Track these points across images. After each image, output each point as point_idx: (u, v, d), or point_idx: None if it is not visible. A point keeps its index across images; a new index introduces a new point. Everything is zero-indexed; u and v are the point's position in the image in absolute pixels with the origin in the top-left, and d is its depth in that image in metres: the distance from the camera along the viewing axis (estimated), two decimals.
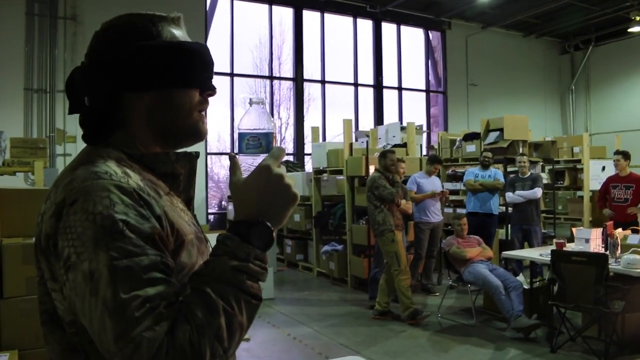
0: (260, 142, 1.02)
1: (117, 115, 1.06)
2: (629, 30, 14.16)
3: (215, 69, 1.23)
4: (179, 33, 1.11)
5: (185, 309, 0.86)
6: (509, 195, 7.37)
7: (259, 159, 1.02)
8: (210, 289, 0.88)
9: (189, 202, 1.14)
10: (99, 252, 0.86)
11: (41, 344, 2.66)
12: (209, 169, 11.76)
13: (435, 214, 7.43)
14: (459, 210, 8.75)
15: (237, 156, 1.07)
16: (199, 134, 1.13)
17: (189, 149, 1.16)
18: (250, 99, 1.10)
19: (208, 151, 11.54)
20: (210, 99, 1.14)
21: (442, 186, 7.89)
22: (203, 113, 1.13)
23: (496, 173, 7.75)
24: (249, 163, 1.03)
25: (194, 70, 1.08)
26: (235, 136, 1.00)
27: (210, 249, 1.05)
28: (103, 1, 10.19)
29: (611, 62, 15.42)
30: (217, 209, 12.34)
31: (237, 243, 0.93)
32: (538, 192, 7.25)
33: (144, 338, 0.82)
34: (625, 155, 7.34)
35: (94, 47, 1.08)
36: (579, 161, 9.38)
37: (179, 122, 1.08)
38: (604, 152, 10.61)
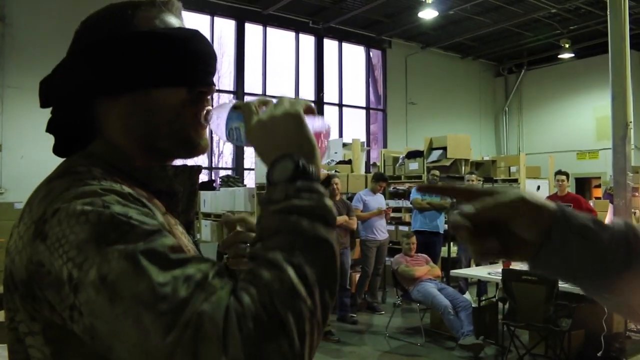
0: (234, 114, 0.86)
1: (91, 123, 0.88)
2: (559, 56, 14.86)
3: None
4: (163, 19, 0.89)
5: (244, 277, 0.66)
6: None
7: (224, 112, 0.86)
8: (264, 248, 0.68)
9: (188, 226, 0.95)
10: (106, 251, 0.65)
11: None
12: None
13: (382, 231, 7.39)
14: (400, 228, 8.78)
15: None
16: (191, 144, 0.89)
17: (189, 162, 0.97)
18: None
19: None
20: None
21: (387, 203, 7.89)
22: (199, 117, 0.89)
23: None
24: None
25: (174, 63, 0.85)
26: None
27: None
28: (35, 3, 9.69)
29: (542, 85, 16.10)
30: None
31: (269, 191, 0.74)
32: None
33: (203, 314, 0.61)
34: (568, 176, 7.57)
35: (70, 45, 0.89)
36: (516, 180, 9.65)
37: (162, 128, 0.86)
38: (539, 172, 10.98)
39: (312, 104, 0.83)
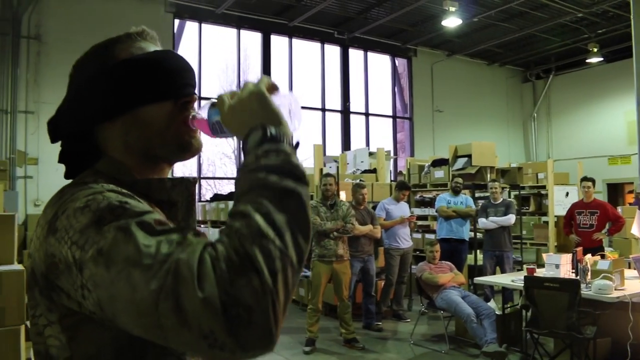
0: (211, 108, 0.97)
1: (95, 148, 1.00)
2: (587, 60, 14.69)
3: None
4: (138, 47, 1.01)
5: (220, 231, 0.77)
6: (482, 221, 7.42)
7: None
8: (236, 204, 0.77)
9: None
10: (103, 229, 0.77)
11: None
12: None
13: (405, 239, 7.42)
14: (427, 236, 8.80)
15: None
16: (186, 147, 1.01)
17: (187, 165, 1.09)
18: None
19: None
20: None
21: (412, 212, 7.91)
22: (187, 123, 1.00)
23: (467, 199, 7.82)
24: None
25: (155, 81, 0.98)
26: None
27: None
28: (68, 22, 10.06)
29: (571, 90, 15.92)
30: None
31: (247, 149, 0.84)
32: (512, 218, 7.33)
33: (179, 261, 0.71)
34: (594, 182, 7.51)
35: (68, 85, 1.04)
36: (544, 187, 9.56)
37: (156, 140, 0.98)
38: (567, 179, 10.86)
39: (274, 82, 0.94)
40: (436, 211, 8.01)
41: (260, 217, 0.74)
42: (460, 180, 7.92)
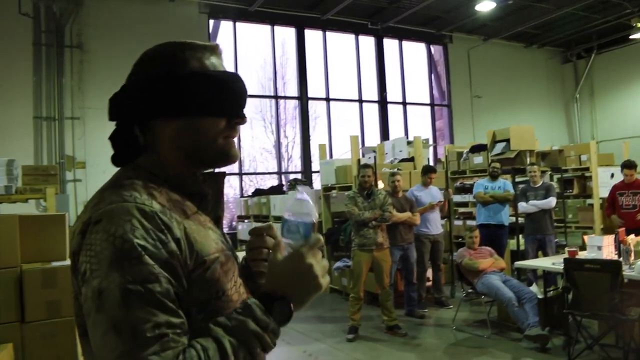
0: (299, 230, 1.10)
1: (145, 139, 1.10)
2: (631, 37, 14.27)
3: None
4: (211, 62, 1.12)
5: (203, 351, 0.92)
6: (522, 205, 7.34)
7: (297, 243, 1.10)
8: (229, 343, 0.95)
9: (217, 221, 1.17)
10: (114, 273, 0.90)
11: None
12: None
13: (435, 225, 7.41)
14: (468, 222, 8.76)
15: (279, 236, 1.12)
16: (227, 158, 1.14)
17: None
18: (297, 186, 1.17)
19: None
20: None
21: (443, 195, 7.82)
22: (232, 139, 1.14)
23: (505, 184, 7.73)
24: (288, 245, 1.11)
25: (219, 99, 1.09)
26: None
27: (237, 265, 1.12)
28: (108, 29, 10.41)
29: (614, 69, 15.47)
30: (227, 229, 12.37)
31: (261, 312, 0.99)
32: (552, 201, 7.23)
33: None
34: (634, 167, 7.33)
35: (130, 74, 1.13)
36: (587, 169, 9.35)
37: (203, 148, 1.10)
38: (612, 159, 10.59)
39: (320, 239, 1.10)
40: (474, 197, 7.96)
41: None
42: (497, 165, 7.83)
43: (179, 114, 1.08)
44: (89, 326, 0.92)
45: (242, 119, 1.14)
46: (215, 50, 1.15)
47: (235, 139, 1.17)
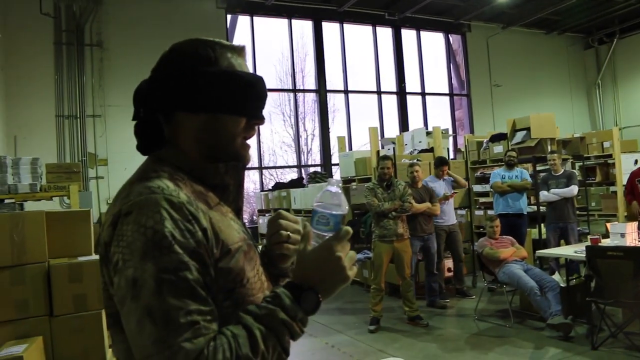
0: (329, 222, 1.12)
1: (168, 130, 1.14)
2: None
3: None
4: (238, 63, 1.17)
5: (233, 339, 0.95)
6: (544, 193, 7.28)
7: (327, 235, 1.13)
8: (259, 331, 0.98)
9: (238, 212, 1.21)
10: (147, 263, 0.94)
11: (90, 358, 2.76)
12: None
13: (450, 216, 7.40)
14: (489, 212, 8.71)
15: (309, 227, 1.14)
16: (240, 159, 1.19)
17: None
18: (329, 180, 1.20)
19: None
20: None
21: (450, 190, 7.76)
22: (247, 141, 1.19)
23: (522, 172, 7.67)
24: (317, 236, 1.14)
25: (243, 99, 1.14)
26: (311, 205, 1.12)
27: (258, 254, 1.16)
28: (127, 26, 10.52)
29: (637, 53, 15.19)
30: (248, 223, 12.46)
31: (290, 301, 1.03)
32: (574, 189, 7.14)
33: (182, 348, 0.90)
34: None
35: (158, 65, 1.17)
36: (610, 156, 9.23)
37: (223, 144, 1.15)
38: (635, 146, 10.46)
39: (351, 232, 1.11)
40: (491, 187, 7.91)
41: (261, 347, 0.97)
42: (513, 153, 7.77)
43: (205, 109, 1.12)
44: (123, 314, 0.96)
45: (261, 120, 1.19)
46: (242, 51, 1.20)
47: (251, 141, 1.22)
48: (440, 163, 7.58)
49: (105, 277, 1.05)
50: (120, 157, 10.09)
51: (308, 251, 1.10)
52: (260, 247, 1.31)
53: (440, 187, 7.40)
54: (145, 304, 0.92)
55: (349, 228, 1.11)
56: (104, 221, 1.07)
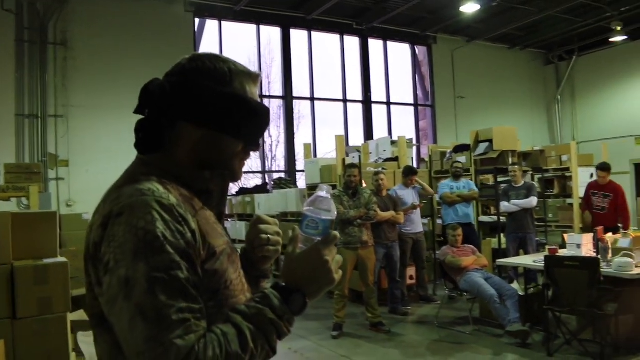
0: (318, 226, 1.15)
1: (168, 135, 1.16)
2: (611, 39, 14.52)
3: None
4: (250, 89, 1.21)
5: (223, 336, 0.99)
6: (504, 204, 7.48)
7: (315, 239, 1.16)
8: (248, 330, 1.02)
9: (220, 216, 1.24)
10: (139, 262, 0.96)
11: None
12: None
13: (417, 225, 7.55)
14: (438, 222, 8.89)
15: (298, 230, 1.18)
16: (234, 177, 1.24)
17: None
18: (320, 186, 1.23)
19: None
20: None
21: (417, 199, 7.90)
22: (242, 163, 1.24)
23: (469, 183, 7.93)
24: (306, 239, 1.17)
25: (246, 126, 1.18)
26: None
27: (239, 258, 1.19)
28: (93, 26, 10.37)
29: (595, 71, 15.73)
30: None
31: (279, 302, 1.07)
32: (534, 200, 7.37)
33: (174, 345, 0.92)
34: (608, 170, 7.54)
35: (173, 71, 1.19)
36: (568, 169, 9.52)
37: (219, 163, 1.19)
38: (592, 160, 10.79)
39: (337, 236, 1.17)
40: (440, 198, 8.07)
41: (248, 358, 1.00)
42: (459, 164, 8.04)
43: (208, 126, 1.15)
44: (114, 313, 0.98)
45: (257, 148, 1.25)
46: (256, 79, 1.24)
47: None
48: (409, 172, 7.70)
49: (92, 277, 1.06)
50: (82, 158, 9.92)
51: (296, 254, 1.14)
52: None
53: (409, 195, 7.52)
54: (138, 302, 0.94)
55: (336, 233, 1.15)
56: (92, 222, 1.08)
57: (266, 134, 13.00)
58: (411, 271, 7.74)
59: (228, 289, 1.11)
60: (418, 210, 7.62)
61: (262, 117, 1.21)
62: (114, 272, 0.97)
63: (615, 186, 7.56)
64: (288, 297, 1.08)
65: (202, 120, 1.15)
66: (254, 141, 1.22)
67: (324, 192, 1.20)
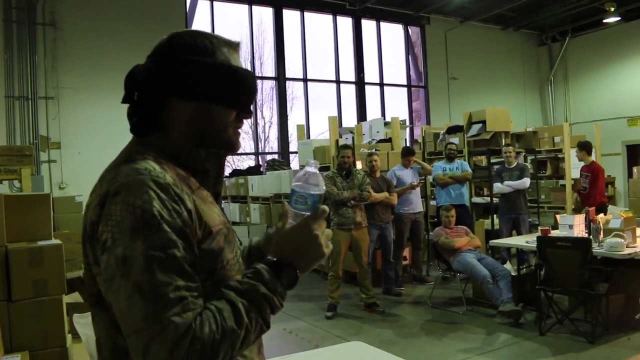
0: (307, 201, 1.16)
1: (161, 115, 1.16)
2: (604, 20, 14.50)
3: None
4: (233, 57, 1.21)
5: (218, 313, 0.99)
6: (497, 185, 7.51)
7: (304, 214, 1.17)
8: (242, 305, 1.03)
9: (217, 196, 1.25)
10: (136, 241, 0.96)
11: (50, 344, 2.73)
12: None
13: (417, 205, 7.58)
14: (432, 203, 8.93)
15: (287, 206, 1.18)
16: (231, 147, 1.23)
17: None
18: (308, 161, 1.22)
19: None
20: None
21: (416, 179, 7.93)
22: (238, 130, 1.24)
23: (462, 164, 7.95)
24: (295, 215, 1.18)
25: (235, 93, 1.19)
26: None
27: (236, 237, 1.18)
28: (82, 6, 10.21)
29: (588, 52, 15.72)
30: None
31: (270, 277, 1.07)
32: (527, 182, 7.40)
33: (172, 322, 0.93)
34: (581, 147, 7.58)
35: (155, 51, 1.18)
36: (560, 150, 9.55)
37: (214, 133, 1.19)
38: None
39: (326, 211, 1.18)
40: (433, 180, 8.11)
41: (243, 333, 1.01)
42: (453, 146, 8.05)
43: (198, 98, 1.15)
44: (111, 291, 0.98)
45: (249, 114, 1.25)
46: (237, 47, 1.24)
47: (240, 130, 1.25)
48: (407, 153, 7.72)
49: (90, 257, 1.07)
50: (73, 140, 9.84)
51: (286, 229, 1.15)
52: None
53: (408, 175, 7.55)
54: (135, 280, 0.94)
55: (325, 207, 1.16)
56: (89, 202, 1.08)
57: (259, 115, 12.97)
58: (405, 252, 7.78)
59: (224, 269, 1.12)
60: (417, 190, 7.65)
61: (248, 83, 1.21)
62: (111, 250, 0.98)
63: (595, 167, 7.61)
64: (279, 272, 1.09)
65: (191, 94, 1.15)
66: (245, 107, 1.22)
67: (312, 167, 1.20)
